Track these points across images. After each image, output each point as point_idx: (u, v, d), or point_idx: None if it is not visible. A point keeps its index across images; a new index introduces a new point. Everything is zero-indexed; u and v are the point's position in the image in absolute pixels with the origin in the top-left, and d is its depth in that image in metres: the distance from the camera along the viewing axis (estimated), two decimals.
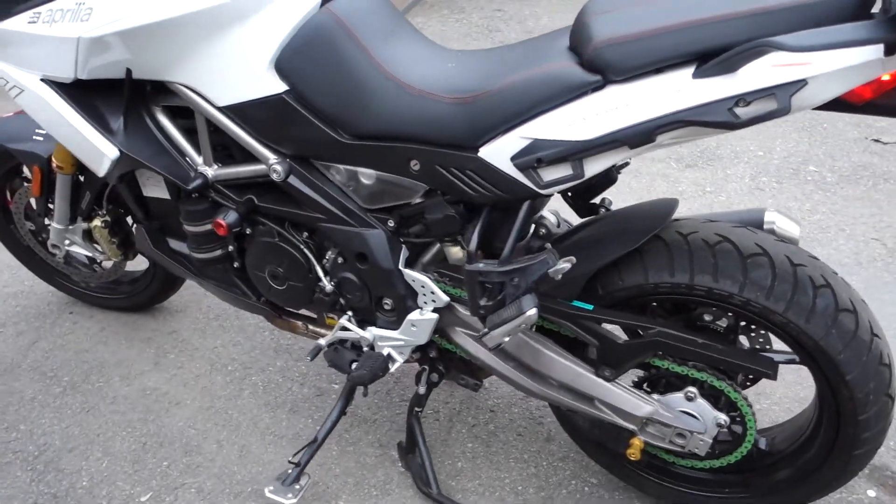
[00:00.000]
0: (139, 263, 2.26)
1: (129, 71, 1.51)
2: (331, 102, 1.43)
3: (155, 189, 1.78)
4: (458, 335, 1.60)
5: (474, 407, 2.04)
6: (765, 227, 1.45)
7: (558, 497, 1.79)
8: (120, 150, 1.57)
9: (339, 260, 1.62)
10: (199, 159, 1.63)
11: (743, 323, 1.46)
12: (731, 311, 1.37)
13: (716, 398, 1.47)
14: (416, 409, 1.80)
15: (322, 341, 1.73)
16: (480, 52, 1.46)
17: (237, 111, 1.49)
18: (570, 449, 1.91)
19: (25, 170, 2.21)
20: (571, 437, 1.75)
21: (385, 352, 1.66)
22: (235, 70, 1.45)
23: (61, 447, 1.95)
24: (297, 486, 1.66)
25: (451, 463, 1.88)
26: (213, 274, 1.83)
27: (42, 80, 1.57)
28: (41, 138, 1.99)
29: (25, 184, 2.18)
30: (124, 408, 2.07)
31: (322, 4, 1.42)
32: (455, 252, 1.58)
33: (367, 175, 1.50)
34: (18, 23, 1.52)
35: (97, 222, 2.06)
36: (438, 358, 1.71)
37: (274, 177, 1.54)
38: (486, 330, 1.39)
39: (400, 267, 1.55)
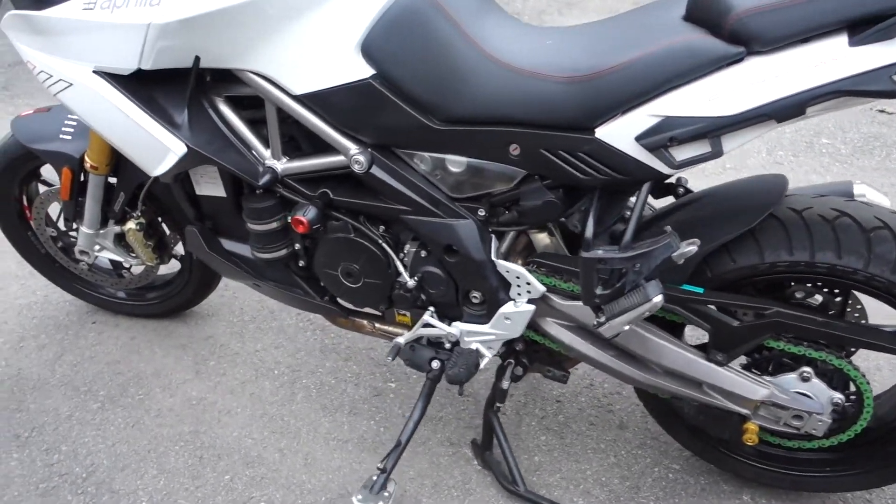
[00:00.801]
0: (167, 266, 2.13)
1: (197, 59, 1.39)
2: (422, 85, 1.34)
3: (210, 187, 1.66)
4: (551, 326, 1.53)
5: (540, 398, 1.98)
6: (855, 199, 1.42)
7: (644, 486, 1.74)
8: (187, 146, 1.45)
9: (422, 253, 1.53)
10: (266, 152, 1.53)
11: (839, 298, 1.43)
12: (843, 286, 1.34)
13: (828, 377, 1.43)
14: (497, 405, 1.73)
15: (400, 339, 1.64)
16: (578, 28, 1.39)
17: (316, 99, 1.39)
18: (645, 436, 1.87)
19: (44, 172, 2.06)
20: (662, 423, 1.70)
21: (473, 347, 1.58)
22: (317, 55, 1.35)
23: (111, 466, 1.83)
24: (386, 493, 1.58)
25: (528, 458, 1.82)
26: (274, 274, 1.73)
27: (94, 72, 1.44)
28: (69, 137, 1.85)
29: (45, 188, 2.03)
30: (172, 420, 1.95)
31: None
32: (541, 239, 1.52)
33: (456, 162, 1.42)
34: (71, 10, 1.39)
35: (131, 225, 1.93)
36: (523, 351, 1.64)
37: (355, 168, 1.44)
38: (602, 319, 1.32)
39: (493, 258, 1.47)
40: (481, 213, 1.46)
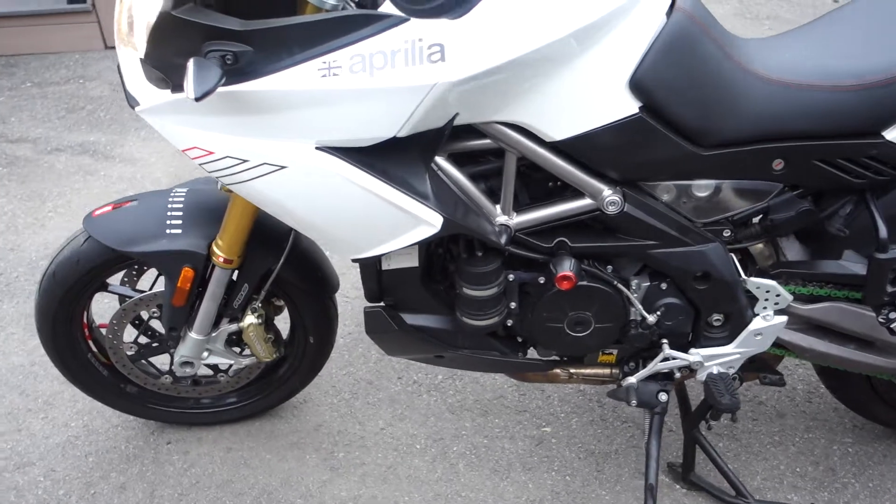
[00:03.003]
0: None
1: (454, 117, 1.22)
2: (691, 112, 1.29)
3: (402, 259, 1.46)
4: (785, 332, 1.54)
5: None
6: None
7: (836, 466, 1.82)
8: (443, 217, 1.26)
9: (662, 286, 1.47)
10: (494, 209, 1.38)
11: None
12: None
13: None
14: (711, 422, 1.69)
15: (632, 379, 1.57)
16: (812, 32, 1.41)
17: (576, 142, 1.28)
18: (805, 419, 1.94)
19: (110, 282, 1.70)
20: (857, 408, 1.78)
21: (715, 370, 1.55)
22: (585, 97, 1.24)
23: None
24: None
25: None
26: (469, 341, 1.57)
27: (318, 148, 1.21)
28: (179, 231, 1.54)
29: (128, 298, 1.68)
30: None
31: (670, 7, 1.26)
32: (758, 249, 1.52)
33: (703, 187, 1.39)
34: (302, 79, 1.14)
35: (252, 319, 1.65)
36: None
37: (610, 210, 1.35)
38: (892, 315, 1.36)
39: (742, 276, 1.45)
40: (726, 233, 1.44)
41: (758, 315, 1.49)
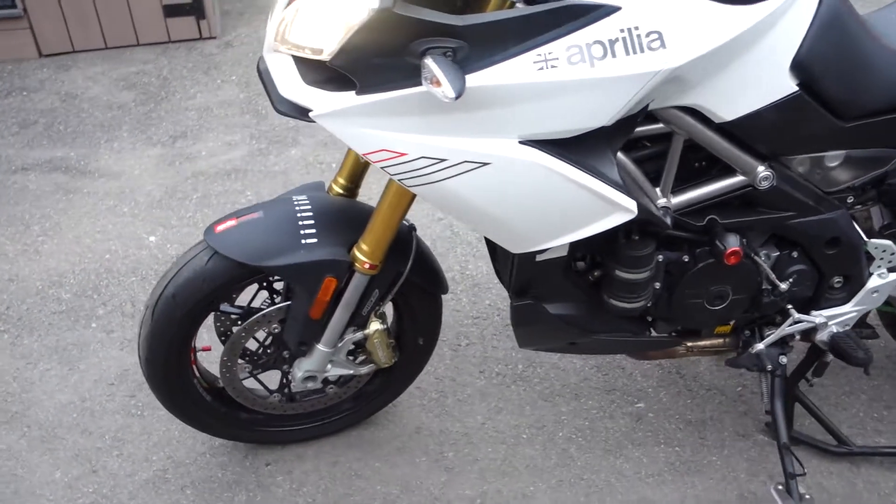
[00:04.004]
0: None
1: (647, 104, 1.24)
2: (839, 86, 1.37)
3: (555, 250, 1.46)
4: None
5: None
6: None
7: None
8: (637, 203, 1.28)
9: (793, 254, 1.55)
10: (656, 192, 1.41)
11: None
12: None
13: None
14: (814, 379, 1.80)
15: (760, 346, 1.65)
16: None
17: (742, 122, 1.34)
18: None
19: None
20: None
21: (834, 329, 1.65)
22: (756, 78, 1.30)
23: None
24: (808, 496, 1.59)
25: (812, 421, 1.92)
26: (606, 325, 1.60)
27: (521, 142, 1.20)
28: (315, 240, 1.47)
29: (233, 318, 1.59)
30: None
31: None
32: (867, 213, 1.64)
33: (834, 157, 1.47)
34: (516, 73, 1.13)
35: (377, 325, 1.61)
36: None
37: (763, 185, 1.42)
38: None
39: (865, 238, 1.56)
40: (850, 199, 1.53)
41: (873, 274, 1.61)
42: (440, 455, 1.87)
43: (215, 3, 3.98)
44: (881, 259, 1.59)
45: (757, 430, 1.91)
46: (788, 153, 1.43)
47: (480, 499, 1.77)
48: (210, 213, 2.73)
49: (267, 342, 1.66)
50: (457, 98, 1.03)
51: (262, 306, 1.61)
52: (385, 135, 1.20)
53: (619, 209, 1.28)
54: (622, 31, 1.14)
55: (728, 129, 1.35)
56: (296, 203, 1.52)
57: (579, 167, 1.24)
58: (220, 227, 1.49)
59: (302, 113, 1.26)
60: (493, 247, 1.69)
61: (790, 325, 1.62)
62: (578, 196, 1.25)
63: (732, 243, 1.44)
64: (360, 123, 1.20)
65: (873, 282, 1.61)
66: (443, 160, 1.21)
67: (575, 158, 1.25)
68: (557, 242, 1.33)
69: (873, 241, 1.56)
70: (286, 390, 1.74)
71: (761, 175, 1.41)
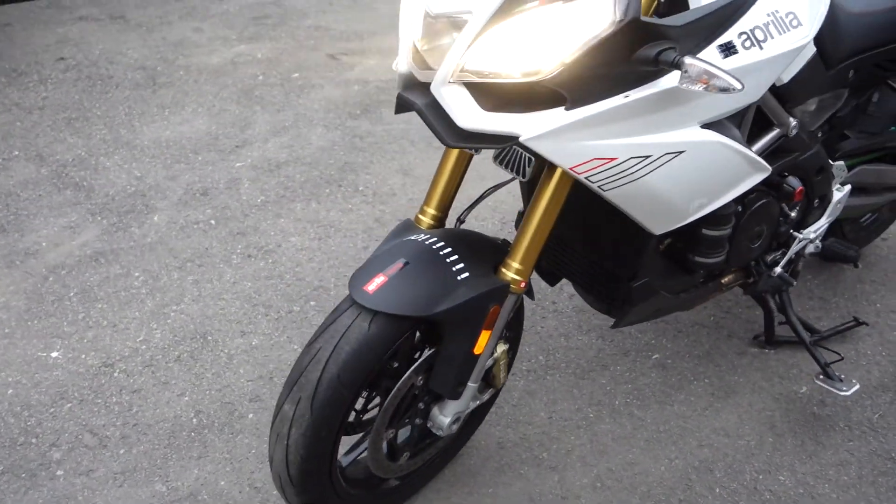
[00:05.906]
0: None
1: None
2: (832, 46, 1.71)
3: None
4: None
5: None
6: None
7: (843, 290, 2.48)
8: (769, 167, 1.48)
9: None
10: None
11: None
12: None
13: None
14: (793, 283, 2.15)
15: (778, 269, 1.95)
16: None
17: (789, 83, 1.61)
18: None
19: None
20: None
21: (818, 242, 2.03)
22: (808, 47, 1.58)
23: None
24: (853, 380, 1.95)
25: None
26: (692, 280, 1.78)
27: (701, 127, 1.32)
28: (466, 274, 1.40)
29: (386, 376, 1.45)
30: None
31: None
32: None
33: (814, 102, 1.82)
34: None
35: (502, 346, 1.60)
36: None
37: (793, 133, 1.71)
38: None
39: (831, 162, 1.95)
40: (819, 135, 1.90)
41: (833, 190, 2.01)
42: (537, 459, 1.89)
43: None
44: (839, 177, 2.00)
45: (748, 345, 2.25)
46: (801, 103, 1.74)
47: (599, 481, 1.84)
48: (106, 308, 2.32)
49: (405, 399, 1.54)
50: (742, 90, 1.12)
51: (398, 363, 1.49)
52: (595, 144, 1.24)
53: (761, 169, 1.47)
54: (769, 15, 1.32)
55: (775, 90, 1.60)
56: (431, 241, 1.44)
57: (734, 139, 1.40)
58: (372, 288, 1.35)
59: (480, 141, 1.23)
60: (558, 258, 1.77)
61: (799, 244, 1.95)
62: (739, 164, 1.41)
63: (796, 184, 1.71)
64: (569, 138, 1.22)
65: (836, 196, 2.01)
66: (647, 157, 1.28)
67: (727, 133, 1.40)
68: (707, 210, 1.47)
69: (837, 163, 1.95)
70: (411, 448, 1.62)
71: (793, 125, 1.69)
